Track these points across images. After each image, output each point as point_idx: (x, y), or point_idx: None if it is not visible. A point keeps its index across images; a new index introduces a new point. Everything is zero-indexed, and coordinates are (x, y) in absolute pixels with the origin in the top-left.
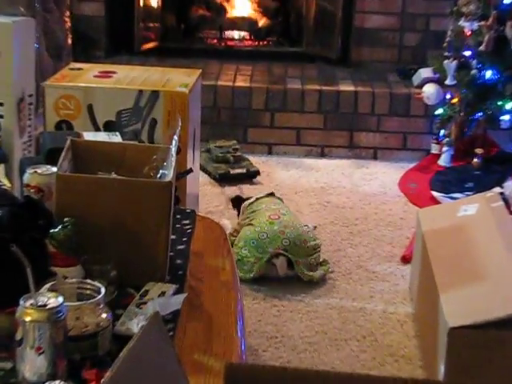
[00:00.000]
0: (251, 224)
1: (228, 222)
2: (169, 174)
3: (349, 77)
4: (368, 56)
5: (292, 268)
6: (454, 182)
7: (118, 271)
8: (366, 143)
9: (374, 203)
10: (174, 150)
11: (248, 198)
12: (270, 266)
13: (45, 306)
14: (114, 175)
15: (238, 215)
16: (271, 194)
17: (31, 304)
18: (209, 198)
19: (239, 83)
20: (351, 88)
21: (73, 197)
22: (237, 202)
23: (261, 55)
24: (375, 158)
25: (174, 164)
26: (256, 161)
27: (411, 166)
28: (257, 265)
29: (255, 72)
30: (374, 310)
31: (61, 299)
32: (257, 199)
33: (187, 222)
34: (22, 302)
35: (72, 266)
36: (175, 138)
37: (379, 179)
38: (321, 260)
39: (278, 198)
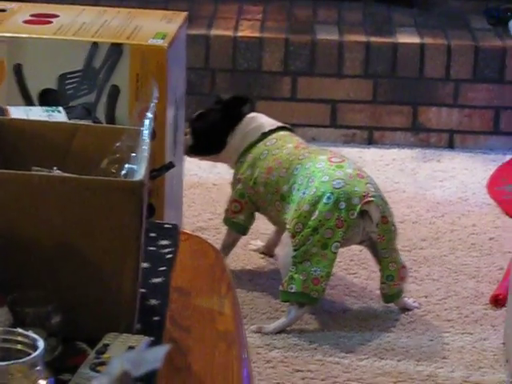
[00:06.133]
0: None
1: (261, 243)
2: (139, 169)
3: (411, 22)
4: None
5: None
6: None
7: (63, 316)
8: (437, 124)
9: (449, 215)
10: (146, 133)
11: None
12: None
13: None
14: (56, 171)
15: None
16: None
17: None
18: (199, 207)
19: (244, 32)
20: (415, 39)
21: None
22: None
23: None
24: (451, 146)
25: (146, 155)
26: None
27: (507, 158)
28: (344, 227)
29: (268, 15)
30: (449, 379)
31: None
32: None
33: (166, 242)
34: None
35: None
36: (148, 115)
37: (457, 179)
38: None
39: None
